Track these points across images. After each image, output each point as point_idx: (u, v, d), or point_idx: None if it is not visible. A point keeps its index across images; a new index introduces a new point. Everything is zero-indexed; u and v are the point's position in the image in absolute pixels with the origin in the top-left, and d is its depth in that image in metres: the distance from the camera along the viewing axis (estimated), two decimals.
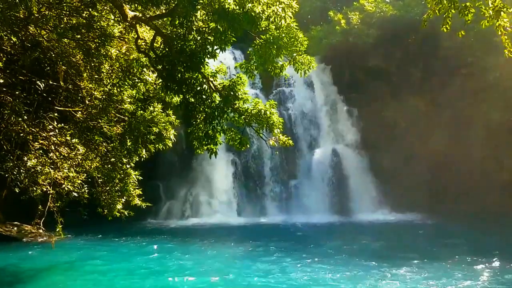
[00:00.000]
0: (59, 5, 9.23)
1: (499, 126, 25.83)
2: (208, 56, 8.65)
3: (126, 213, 11.86)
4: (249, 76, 9.37)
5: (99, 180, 11.58)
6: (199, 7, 7.89)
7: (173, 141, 11.37)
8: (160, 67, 9.30)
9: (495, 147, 25.78)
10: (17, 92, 10.11)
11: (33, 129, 10.27)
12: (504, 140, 25.43)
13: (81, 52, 10.07)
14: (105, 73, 10.61)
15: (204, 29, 8.63)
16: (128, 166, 11.28)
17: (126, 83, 10.55)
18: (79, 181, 10.79)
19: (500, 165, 25.58)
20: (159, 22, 10.36)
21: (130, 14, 9.00)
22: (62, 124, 10.77)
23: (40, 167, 10.20)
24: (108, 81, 10.72)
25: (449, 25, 7.80)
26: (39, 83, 10.52)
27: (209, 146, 9.42)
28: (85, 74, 10.91)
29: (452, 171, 26.01)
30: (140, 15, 9.22)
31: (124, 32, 10.59)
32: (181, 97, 9.52)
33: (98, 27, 9.51)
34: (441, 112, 27.05)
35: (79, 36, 9.66)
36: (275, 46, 8.55)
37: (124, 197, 11.49)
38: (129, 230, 20.87)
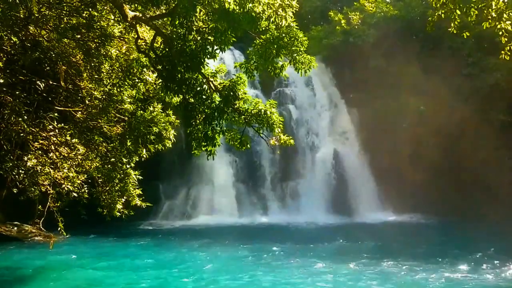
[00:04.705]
0: (59, 5, 9.22)
1: (501, 126, 25.81)
2: (208, 56, 8.63)
3: (126, 212, 11.83)
4: (249, 76, 9.34)
5: (99, 180, 11.55)
6: (199, 7, 7.87)
7: (172, 141, 11.35)
8: (160, 67, 9.28)
9: (497, 148, 25.74)
10: (17, 92, 10.09)
11: (33, 129, 10.24)
12: (506, 141, 25.39)
13: (81, 52, 10.05)
14: (105, 73, 10.58)
15: (204, 29, 8.61)
16: (128, 166, 11.25)
17: (126, 83, 10.52)
18: (79, 181, 10.76)
19: (502, 166, 25.50)
20: (159, 22, 10.34)
21: (130, 14, 8.98)
22: (62, 124, 10.74)
23: (40, 167, 10.17)
24: (108, 81, 10.69)
25: (456, 26, 7.92)
26: (39, 83, 10.50)
27: (207, 147, 9.39)
28: (85, 74, 10.89)
29: (454, 172, 25.98)
30: (140, 15, 9.20)
31: (124, 32, 10.57)
32: (181, 97, 9.51)
33: (98, 27, 9.49)
34: (442, 113, 27.01)
35: (79, 36, 9.64)
36: (275, 46, 8.51)
37: (124, 197, 11.46)
38: (128, 230, 20.88)
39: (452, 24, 7.98)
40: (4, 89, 9.98)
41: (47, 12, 9.32)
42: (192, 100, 9.34)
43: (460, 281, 12.70)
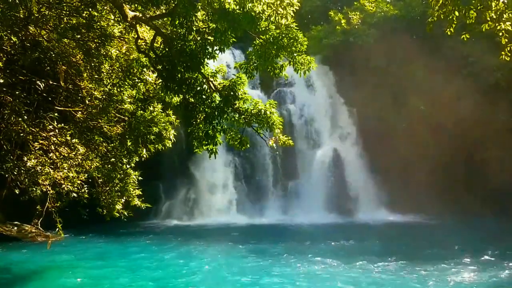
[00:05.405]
0: (59, 5, 9.22)
1: (501, 126, 25.80)
2: (208, 56, 8.64)
3: (126, 213, 11.83)
4: (248, 76, 9.34)
5: (99, 180, 11.56)
6: (199, 7, 7.87)
7: (172, 141, 11.35)
8: (160, 67, 9.28)
9: (498, 148, 25.73)
10: (17, 92, 10.09)
11: (33, 129, 10.24)
12: (506, 141, 25.38)
13: (81, 52, 10.05)
14: (105, 73, 10.58)
15: (204, 29, 8.61)
16: (128, 166, 11.26)
17: (126, 83, 10.52)
18: (79, 181, 10.77)
19: (503, 166, 25.50)
20: (159, 22, 10.34)
21: (130, 14, 8.98)
22: (62, 124, 10.75)
23: (40, 167, 10.17)
24: (108, 81, 10.69)
25: (453, 28, 7.89)
26: (39, 83, 10.50)
27: (209, 146, 9.40)
28: (85, 74, 10.90)
29: (454, 171, 25.97)
30: (140, 15, 9.20)
31: (124, 32, 10.57)
32: (181, 97, 9.51)
33: (98, 27, 9.49)
34: (442, 112, 27.01)
35: (79, 36, 9.64)
36: (275, 47, 8.51)
37: (124, 197, 11.46)
38: (129, 230, 20.90)
39: (448, 26, 7.94)
40: (4, 89, 9.98)
41: (47, 12, 9.32)
42: (192, 100, 9.35)
43: (461, 281, 12.70)
